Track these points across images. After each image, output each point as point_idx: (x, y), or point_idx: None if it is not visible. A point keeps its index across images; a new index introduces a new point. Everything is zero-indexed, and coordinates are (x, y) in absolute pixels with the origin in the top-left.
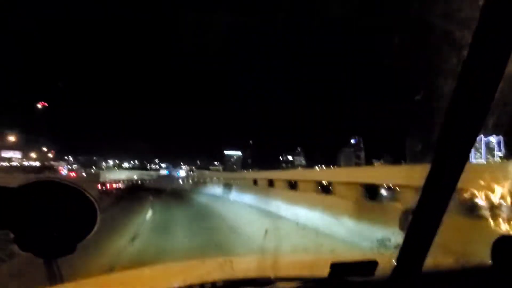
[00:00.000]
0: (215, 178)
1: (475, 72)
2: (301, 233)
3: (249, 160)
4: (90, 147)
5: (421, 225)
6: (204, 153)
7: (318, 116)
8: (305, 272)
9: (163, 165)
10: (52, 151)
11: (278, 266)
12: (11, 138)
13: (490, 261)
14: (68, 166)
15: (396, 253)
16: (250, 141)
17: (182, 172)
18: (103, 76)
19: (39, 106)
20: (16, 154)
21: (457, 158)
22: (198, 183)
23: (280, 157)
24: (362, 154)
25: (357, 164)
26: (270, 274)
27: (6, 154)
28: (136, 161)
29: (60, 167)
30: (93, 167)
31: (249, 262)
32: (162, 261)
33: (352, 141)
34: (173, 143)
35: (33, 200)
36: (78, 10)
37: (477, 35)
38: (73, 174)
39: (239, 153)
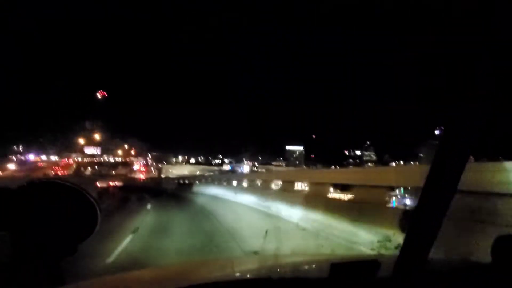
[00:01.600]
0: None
1: (477, 74)
2: None
3: (312, 155)
4: (165, 144)
5: (422, 225)
6: (265, 148)
7: (391, 106)
8: (306, 273)
9: (226, 160)
10: (133, 148)
11: (279, 267)
12: (96, 137)
13: (490, 260)
14: (143, 161)
15: (397, 253)
16: (313, 135)
17: (246, 168)
18: (167, 78)
19: (99, 95)
20: (97, 151)
21: (457, 159)
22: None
23: (346, 152)
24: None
25: None
26: (271, 274)
27: (88, 150)
28: (201, 157)
29: (134, 162)
30: (164, 162)
31: (250, 262)
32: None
33: (437, 132)
34: (235, 139)
35: (33, 201)
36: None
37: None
38: (143, 168)
39: (301, 148)
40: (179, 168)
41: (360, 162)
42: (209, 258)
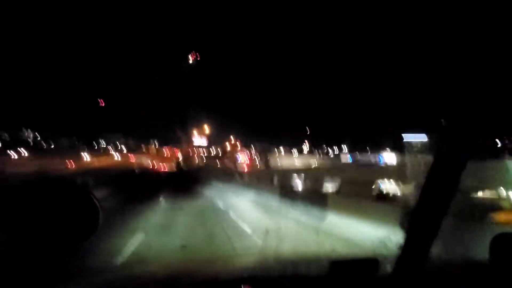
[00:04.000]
0: None
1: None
2: None
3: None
4: (268, 135)
5: (422, 224)
6: (370, 135)
7: None
8: (306, 270)
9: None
10: (239, 140)
11: (279, 264)
12: (205, 128)
13: (488, 258)
14: (247, 153)
15: (397, 251)
16: (442, 121)
17: (390, 157)
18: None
19: (191, 59)
20: (203, 143)
21: (458, 158)
22: None
23: (498, 141)
24: None
25: None
26: (272, 271)
27: (196, 141)
28: (303, 147)
29: (239, 154)
30: (268, 153)
31: (251, 259)
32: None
33: None
34: (334, 125)
35: (34, 199)
36: None
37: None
38: (247, 160)
39: (423, 137)
40: (288, 159)
41: None
42: (211, 256)
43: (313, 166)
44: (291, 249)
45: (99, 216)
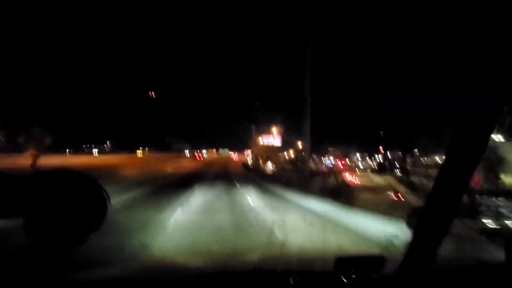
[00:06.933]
0: None
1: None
2: None
3: None
4: (341, 138)
5: (430, 223)
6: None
7: None
8: (312, 265)
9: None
10: (303, 144)
11: (285, 259)
12: (274, 130)
13: (503, 258)
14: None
15: (404, 249)
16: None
17: None
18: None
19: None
20: (276, 143)
21: (468, 158)
22: None
23: None
24: None
25: None
26: (278, 266)
27: (266, 141)
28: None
29: (328, 158)
30: (346, 158)
31: (257, 254)
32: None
33: None
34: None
35: (45, 189)
36: None
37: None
38: (340, 164)
39: None
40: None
41: None
42: (216, 250)
43: None
44: (297, 244)
45: (107, 209)
